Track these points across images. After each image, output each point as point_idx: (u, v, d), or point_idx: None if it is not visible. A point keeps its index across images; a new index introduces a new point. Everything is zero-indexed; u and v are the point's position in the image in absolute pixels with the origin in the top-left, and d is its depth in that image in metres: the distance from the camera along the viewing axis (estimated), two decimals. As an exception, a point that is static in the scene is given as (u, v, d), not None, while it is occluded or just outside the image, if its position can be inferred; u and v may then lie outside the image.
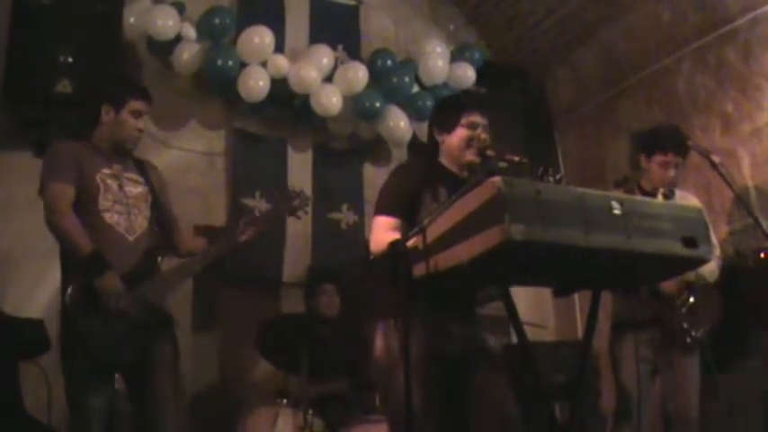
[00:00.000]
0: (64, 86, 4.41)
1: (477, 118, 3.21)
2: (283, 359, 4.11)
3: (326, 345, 3.99)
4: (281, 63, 5.25)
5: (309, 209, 4.17)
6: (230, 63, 5.07)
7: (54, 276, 3.51)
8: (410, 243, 2.55)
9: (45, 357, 4.06)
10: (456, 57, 5.87)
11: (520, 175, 2.74)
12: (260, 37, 5.19)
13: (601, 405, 5.26)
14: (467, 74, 5.79)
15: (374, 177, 5.64)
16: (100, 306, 3.21)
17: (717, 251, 4.06)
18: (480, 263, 2.29)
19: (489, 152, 3.11)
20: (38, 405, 4.05)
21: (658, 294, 3.93)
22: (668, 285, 3.91)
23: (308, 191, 5.44)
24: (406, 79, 5.60)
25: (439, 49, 5.81)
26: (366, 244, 5.42)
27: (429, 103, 5.49)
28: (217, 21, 5.11)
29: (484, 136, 3.18)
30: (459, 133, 3.20)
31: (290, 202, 3.94)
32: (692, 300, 3.98)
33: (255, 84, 5.13)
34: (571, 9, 5.89)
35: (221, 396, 4.89)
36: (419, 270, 2.53)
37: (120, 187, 3.51)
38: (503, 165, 3.05)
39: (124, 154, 3.62)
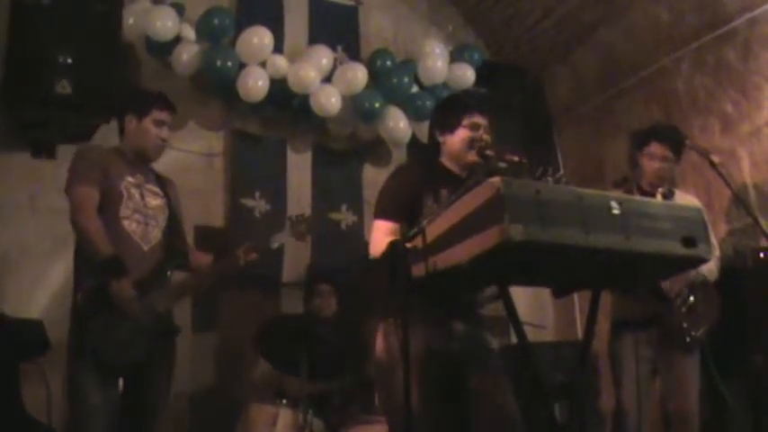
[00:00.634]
0: (63, 87, 4.40)
1: (478, 119, 3.21)
2: (282, 359, 4.10)
3: (326, 345, 3.99)
4: (281, 63, 5.25)
5: (307, 208, 4.17)
6: (229, 64, 5.07)
7: (53, 277, 3.53)
8: (410, 243, 2.55)
9: (45, 358, 4.06)
10: (455, 57, 5.87)
11: (519, 175, 2.75)
12: (259, 37, 5.19)
13: (600, 405, 5.26)
14: (466, 74, 5.79)
15: (374, 178, 5.64)
16: (111, 309, 3.26)
17: (716, 251, 4.07)
18: (479, 263, 2.29)
19: (488, 152, 3.12)
20: (37, 405, 4.05)
21: (658, 294, 3.93)
22: (668, 285, 3.91)
23: (308, 191, 5.50)
24: (406, 79, 5.61)
25: (438, 50, 5.81)
26: (366, 244, 5.45)
27: (428, 104, 5.50)
28: (216, 21, 5.11)
29: (486, 137, 3.19)
30: (461, 134, 3.20)
31: (295, 227, 3.97)
32: (691, 299, 3.98)
33: (255, 84, 5.13)
34: (570, 9, 5.89)
35: (221, 396, 4.89)
36: (418, 270, 2.53)
37: (142, 197, 3.58)
38: (502, 165, 3.05)
39: (147, 164, 3.71)
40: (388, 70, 5.64)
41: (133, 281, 3.35)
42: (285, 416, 4.08)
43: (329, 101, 5.27)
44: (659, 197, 3.93)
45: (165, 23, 4.94)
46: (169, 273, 3.62)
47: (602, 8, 5.73)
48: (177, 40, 5.04)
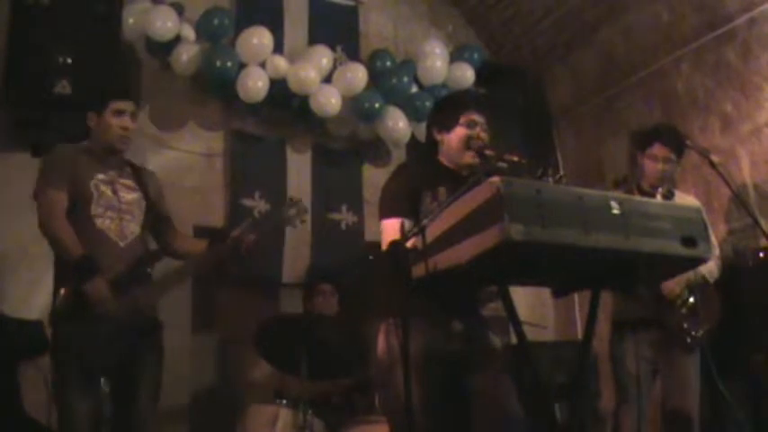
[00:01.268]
0: (63, 87, 4.41)
1: (475, 116, 3.21)
2: (282, 359, 4.10)
3: (326, 345, 3.99)
4: (280, 64, 5.25)
5: (309, 216, 4.14)
6: (229, 64, 5.07)
7: (53, 277, 3.52)
8: (410, 243, 2.55)
9: (44, 358, 4.06)
10: (455, 57, 5.88)
11: (519, 174, 2.74)
12: (259, 38, 5.19)
13: (601, 405, 5.26)
14: (466, 74, 5.79)
15: (373, 178, 5.64)
16: (88, 311, 3.23)
17: (716, 251, 4.07)
18: (479, 263, 2.29)
19: (488, 152, 3.11)
20: (37, 405, 4.04)
21: (658, 294, 3.93)
22: (667, 286, 3.91)
23: (308, 191, 5.48)
24: (405, 80, 5.61)
25: (438, 50, 5.81)
26: (366, 244, 5.46)
27: (428, 104, 5.49)
28: (216, 21, 5.11)
29: (483, 135, 3.18)
30: (459, 132, 3.20)
31: (287, 210, 3.92)
32: (691, 300, 3.98)
33: (254, 84, 5.13)
34: (570, 9, 5.89)
35: (221, 396, 4.90)
36: (419, 270, 2.52)
37: (114, 193, 3.53)
38: (502, 165, 3.04)
39: (118, 157, 3.64)
40: (388, 70, 5.64)
41: (110, 279, 3.31)
42: (285, 416, 4.07)
43: (329, 101, 5.27)
44: (659, 197, 3.93)
45: (164, 23, 4.93)
46: (149, 270, 3.57)
47: (602, 8, 5.73)
48: (177, 40, 5.03)
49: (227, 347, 5.10)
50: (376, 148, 5.87)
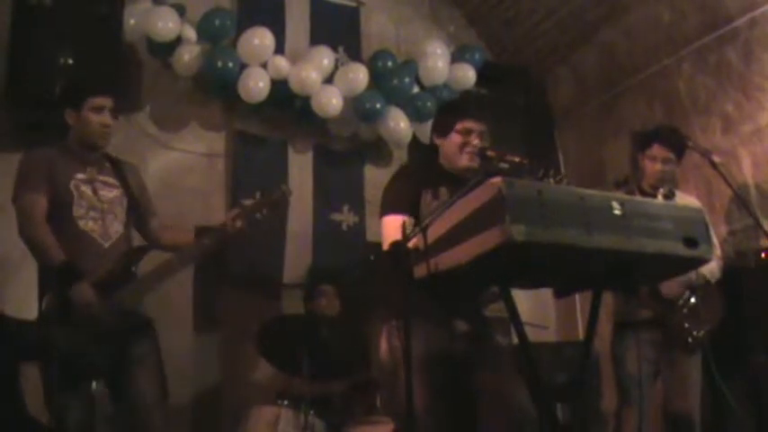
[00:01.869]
0: (64, 88, 4.40)
1: (471, 124, 3.24)
2: (284, 360, 4.11)
3: (327, 346, 3.99)
4: (282, 64, 5.25)
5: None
6: (230, 64, 5.07)
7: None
8: (411, 243, 2.55)
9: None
10: (456, 57, 5.87)
11: (520, 175, 2.74)
12: (260, 38, 5.19)
13: (602, 405, 5.26)
14: (467, 75, 5.79)
15: (375, 178, 5.64)
16: (73, 316, 3.21)
17: (717, 251, 4.07)
18: (481, 263, 2.29)
19: (489, 153, 3.12)
20: (38, 406, 4.04)
21: (659, 295, 3.93)
22: (668, 286, 3.91)
23: (309, 192, 5.49)
24: (407, 80, 5.60)
25: (439, 50, 5.81)
26: (367, 245, 5.46)
27: (429, 104, 5.50)
28: (217, 22, 5.11)
29: (476, 142, 3.20)
30: (453, 138, 3.26)
31: (271, 196, 3.89)
32: (692, 300, 3.98)
33: (256, 85, 5.12)
34: (571, 9, 5.89)
35: (222, 397, 4.90)
36: (420, 270, 2.53)
37: (95, 192, 3.49)
38: (503, 165, 3.05)
39: (97, 153, 3.59)
40: (390, 71, 5.64)
41: (95, 281, 3.28)
42: (287, 416, 4.07)
43: (330, 101, 5.27)
44: (660, 198, 3.93)
45: (166, 24, 4.93)
46: (134, 268, 3.50)
47: (603, 9, 5.73)
48: (178, 40, 5.03)
49: (228, 348, 5.09)
50: (377, 149, 5.87)
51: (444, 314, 3.06)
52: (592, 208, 2.32)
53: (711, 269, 3.99)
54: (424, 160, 3.54)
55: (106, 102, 3.53)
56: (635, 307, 3.99)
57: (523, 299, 4.96)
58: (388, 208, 3.16)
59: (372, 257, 4.88)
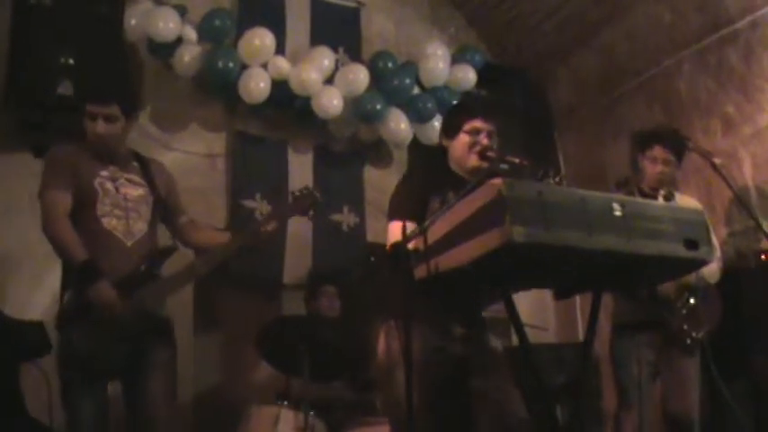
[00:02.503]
0: (65, 88, 4.41)
1: (479, 124, 3.22)
2: (284, 361, 4.11)
3: (327, 346, 3.99)
4: (282, 65, 5.25)
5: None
6: (231, 65, 5.07)
7: (55, 278, 3.51)
8: (412, 244, 2.55)
9: (46, 359, 4.06)
10: (457, 59, 5.87)
11: (520, 177, 2.75)
12: (261, 39, 5.19)
13: (602, 406, 5.26)
14: (467, 76, 5.79)
15: (375, 179, 5.64)
16: (92, 315, 3.20)
17: (717, 252, 4.07)
18: (481, 265, 2.29)
19: (490, 154, 3.13)
20: (39, 407, 4.04)
21: (657, 296, 3.93)
22: (666, 287, 3.91)
23: (309, 192, 5.47)
24: (407, 81, 5.60)
25: (440, 51, 5.81)
26: (367, 246, 5.46)
27: (429, 105, 5.50)
28: (218, 23, 5.11)
29: (485, 142, 3.19)
30: (462, 139, 3.23)
31: (301, 202, 3.88)
32: (692, 301, 3.98)
33: (256, 85, 5.13)
34: (572, 11, 5.89)
35: (222, 398, 4.90)
36: (420, 272, 2.53)
37: (118, 190, 3.48)
38: (504, 167, 3.05)
39: (123, 151, 3.58)
40: (390, 72, 5.64)
41: (116, 280, 3.28)
42: (287, 417, 4.07)
43: (331, 102, 5.27)
44: (661, 199, 3.93)
45: (166, 25, 4.93)
46: (156, 270, 3.49)
47: (603, 10, 5.73)
48: (179, 41, 5.04)
49: (228, 348, 5.10)
50: (377, 150, 5.87)
51: (443, 316, 3.06)
52: (592, 209, 2.32)
53: (711, 270, 3.98)
54: (432, 164, 3.52)
55: (101, 108, 3.43)
56: (634, 308, 3.99)
57: (523, 300, 4.97)
58: (394, 214, 3.15)
59: (372, 258, 4.87)
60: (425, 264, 2.51)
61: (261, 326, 4.10)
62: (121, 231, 3.43)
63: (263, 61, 5.21)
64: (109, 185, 3.46)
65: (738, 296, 4.36)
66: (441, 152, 3.35)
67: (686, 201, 4.11)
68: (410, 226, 2.95)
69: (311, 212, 3.96)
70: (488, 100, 5.90)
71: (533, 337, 3.30)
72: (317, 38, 5.68)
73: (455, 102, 5.43)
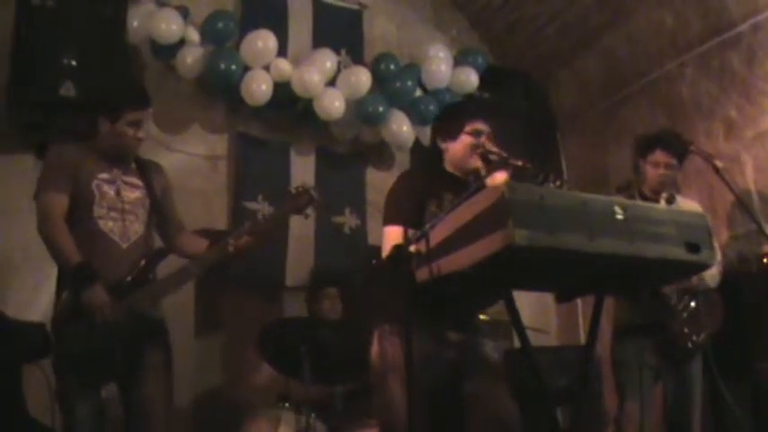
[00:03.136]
0: (67, 89, 4.40)
1: (480, 125, 3.22)
2: (285, 363, 4.10)
3: (329, 348, 3.99)
4: (285, 67, 5.25)
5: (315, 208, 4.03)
6: (233, 67, 5.07)
7: (56, 280, 3.52)
8: (413, 248, 2.55)
9: (47, 360, 4.06)
10: (459, 61, 5.87)
11: (521, 180, 2.75)
12: (263, 41, 5.19)
13: (603, 410, 5.25)
14: (470, 78, 5.79)
15: (377, 181, 5.64)
16: (86, 318, 3.20)
17: (718, 256, 4.06)
18: (483, 268, 2.29)
19: (492, 156, 3.12)
20: (40, 408, 4.04)
21: (659, 299, 3.93)
22: (668, 291, 3.91)
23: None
24: (409, 83, 5.61)
25: (442, 54, 5.81)
26: (369, 248, 5.46)
27: (432, 108, 5.50)
28: (220, 25, 5.11)
29: (487, 144, 3.18)
30: (463, 141, 3.21)
31: (297, 200, 3.79)
32: (693, 305, 3.98)
33: (258, 87, 5.13)
34: (574, 14, 5.89)
35: (224, 400, 4.89)
36: (422, 275, 2.52)
37: (118, 192, 3.48)
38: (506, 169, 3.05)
39: (126, 158, 3.59)
40: (392, 74, 5.64)
41: (112, 282, 3.29)
42: (288, 419, 4.07)
43: (333, 104, 5.27)
44: (663, 202, 3.93)
45: (169, 26, 4.94)
46: (151, 274, 3.50)
47: (606, 14, 5.73)
48: (182, 42, 5.04)
49: (230, 350, 5.09)
50: (380, 152, 5.87)
51: (437, 322, 3.05)
52: (594, 213, 2.32)
53: (712, 274, 3.98)
54: (426, 165, 3.50)
55: (144, 116, 3.53)
56: (635, 312, 3.99)
57: (525, 303, 4.96)
58: (389, 218, 3.14)
59: (374, 261, 4.87)
60: (427, 267, 2.51)
61: (262, 328, 4.10)
62: (118, 233, 3.44)
63: (265, 63, 5.21)
64: (106, 188, 3.47)
65: (740, 300, 4.36)
66: (436, 153, 3.34)
67: (688, 204, 4.12)
68: (403, 231, 2.97)
69: (308, 212, 3.83)
70: (489, 102, 5.90)
71: (535, 339, 3.30)
72: (320, 40, 5.69)
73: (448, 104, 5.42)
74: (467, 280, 2.43)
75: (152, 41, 5.02)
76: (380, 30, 6.15)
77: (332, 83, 5.41)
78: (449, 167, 3.28)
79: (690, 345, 3.93)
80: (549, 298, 5.32)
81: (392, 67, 5.68)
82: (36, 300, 4.46)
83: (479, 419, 3.03)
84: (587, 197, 2.35)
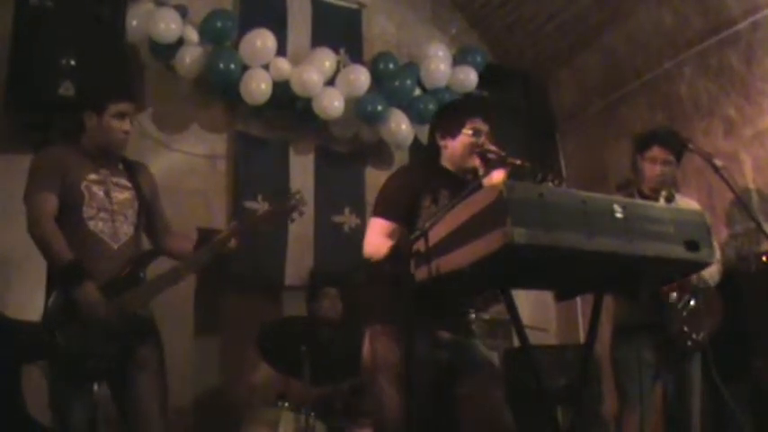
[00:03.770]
0: (66, 89, 4.40)
1: (480, 124, 3.21)
2: (285, 362, 4.10)
3: (328, 348, 3.99)
4: (284, 66, 5.25)
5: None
6: (232, 66, 5.07)
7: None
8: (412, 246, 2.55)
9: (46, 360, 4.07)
10: (458, 60, 5.88)
11: (520, 178, 2.75)
12: (262, 40, 5.19)
13: (603, 409, 5.25)
14: (469, 77, 5.79)
15: (376, 180, 5.61)
16: (78, 317, 3.20)
17: (718, 254, 4.06)
18: (482, 266, 2.29)
19: (491, 155, 3.12)
20: (40, 407, 4.04)
21: (658, 298, 3.93)
22: (667, 289, 3.91)
23: (311, 194, 5.46)
24: (408, 82, 5.61)
25: (441, 53, 5.81)
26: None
27: (431, 107, 5.50)
28: (219, 24, 5.11)
29: (487, 143, 3.18)
30: (463, 139, 3.21)
31: (286, 202, 3.82)
32: (692, 303, 3.98)
33: (258, 87, 5.13)
34: (573, 13, 5.89)
35: (223, 399, 4.90)
36: (420, 274, 2.52)
37: (107, 193, 3.48)
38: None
39: (113, 157, 3.59)
40: (391, 73, 5.64)
41: (103, 282, 3.29)
42: (287, 419, 4.07)
43: (332, 103, 5.27)
44: (662, 201, 3.93)
45: (168, 26, 4.94)
46: (142, 275, 3.50)
47: (605, 12, 5.73)
48: (180, 42, 5.04)
49: (229, 350, 5.09)
50: (379, 151, 5.87)
51: (429, 322, 3.04)
52: (593, 211, 2.32)
53: (711, 272, 3.98)
54: (423, 161, 3.50)
55: (129, 108, 3.53)
56: (635, 310, 3.99)
57: (524, 302, 4.97)
58: (379, 211, 3.14)
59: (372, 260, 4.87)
60: (426, 266, 2.50)
61: (262, 327, 4.10)
62: (108, 234, 3.43)
63: (264, 62, 5.21)
64: (96, 189, 3.46)
65: (739, 298, 4.36)
66: (434, 149, 3.33)
67: (687, 202, 4.11)
68: (390, 226, 2.97)
69: (294, 217, 3.84)
70: (488, 101, 5.90)
71: (534, 338, 3.30)
72: (319, 39, 5.69)
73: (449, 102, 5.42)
74: (465, 279, 2.43)
75: (151, 41, 5.02)
76: (379, 29, 6.15)
77: (331, 82, 5.41)
78: (446, 164, 3.27)
79: (689, 343, 3.93)
80: (548, 297, 5.35)
81: (391, 66, 5.68)
82: (36, 300, 4.43)
83: (473, 420, 3.03)
84: (586, 196, 2.35)
